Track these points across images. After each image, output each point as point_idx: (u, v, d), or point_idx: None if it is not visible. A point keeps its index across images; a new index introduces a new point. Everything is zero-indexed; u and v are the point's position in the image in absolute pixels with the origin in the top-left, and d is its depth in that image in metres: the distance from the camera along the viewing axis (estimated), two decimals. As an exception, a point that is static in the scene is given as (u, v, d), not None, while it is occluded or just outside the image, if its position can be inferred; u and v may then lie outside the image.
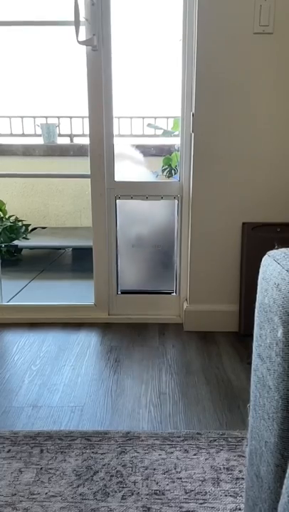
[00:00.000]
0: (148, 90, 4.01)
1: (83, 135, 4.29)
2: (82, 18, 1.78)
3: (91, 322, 2.08)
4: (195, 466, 1.16)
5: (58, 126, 4.35)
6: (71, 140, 4.51)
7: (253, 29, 1.74)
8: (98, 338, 1.94)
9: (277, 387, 0.59)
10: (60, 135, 4.31)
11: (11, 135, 4.50)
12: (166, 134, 4.24)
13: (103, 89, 1.88)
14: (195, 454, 1.20)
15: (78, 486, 1.09)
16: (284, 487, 0.56)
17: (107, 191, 1.99)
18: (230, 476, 1.12)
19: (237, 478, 1.11)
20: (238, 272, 1.96)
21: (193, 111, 1.83)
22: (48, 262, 3.40)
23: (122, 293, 2.12)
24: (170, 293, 2.11)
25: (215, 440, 1.26)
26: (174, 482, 1.11)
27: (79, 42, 1.78)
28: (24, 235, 3.51)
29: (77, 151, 3.97)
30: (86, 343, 1.88)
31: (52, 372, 1.65)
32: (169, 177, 3.54)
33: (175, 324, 2.07)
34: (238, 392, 1.51)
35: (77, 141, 4.43)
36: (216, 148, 1.85)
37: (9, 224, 3.47)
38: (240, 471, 1.13)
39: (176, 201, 2.01)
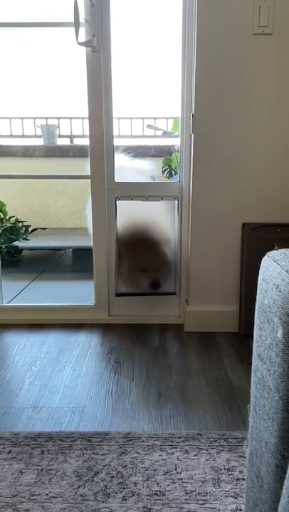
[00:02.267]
0: (148, 91, 4.01)
1: (83, 136, 4.29)
2: (81, 20, 1.78)
3: (91, 323, 2.08)
4: (195, 466, 1.16)
5: (58, 127, 4.35)
6: (71, 141, 4.51)
7: (253, 30, 1.74)
8: (98, 339, 1.94)
9: (277, 387, 0.59)
10: (60, 136, 4.31)
11: (11, 136, 4.50)
12: (166, 134, 4.25)
13: (103, 90, 1.88)
14: (195, 455, 1.20)
15: (79, 487, 1.09)
16: (284, 487, 0.56)
17: (107, 192, 1.99)
18: (231, 476, 1.12)
19: (237, 479, 1.11)
20: (238, 273, 1.96)
21: (193, 112, 1.83)
22: (48, 263, 3.40)
23: (122, 294, 2.12)
24: (170, 294, 2.11)
25: (215, 441, 1.26)
26: (174, 483, 1.11)
27: (79, 43, 1.78)
28: (24, 236, 3.51)
29: (77, 152, 3.97)
30: (86, 344, 1.88)
31: (52, 373, 1.65)
32: (169, 178, 3.54)
33: (175, 325, 2.07)
34: (238, 393, 1.51)
35: (77, 142, 4.44)
36: (216, 148, 1.85)
37: (9, 225, 3.47)
38: (241, 472, 1.13)
39: (176, 202, 2.01)
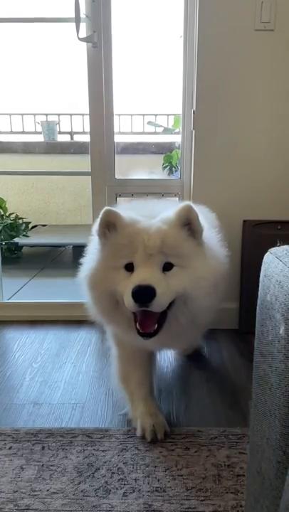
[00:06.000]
0: (149, 87, 4.01)
1: (83, 132, 4.28)
2: (82, 15, 1.77)
3: (92, 320, 2.07)
4: (196, 463, 1.16)
5: (58, 123, 4.35)
6: (71, 137, 4.50)
7: (254, 26, 1.73)
8: (99, 335, 1.93)
9: (279, 384, 0.59)
10: (60, 132, 4.31)
11: (11, 132, 4.50)
12: (167, 131, 4.24)
13: (104, 87, 1.88)
14: (196, 451, 1.20)
15: (80, 483, 1.10)
16: (286, 484, 0.56)
17: (108, 189, 1.99)
18: (232, 473, 1.13)
19: (238, 475, 1.11)
20: (238, 270, 1.95)
21: (194, 108, 1.82)
22: (48, 260, 3.40)
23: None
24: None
25: (216, 437, 1.26)
26: (175, 479, 1.11)
27: (79, 39, 1.77)
28: (24, 233, 3.51)
29: (77, 149, 3.97)
30: (87, 341, 1.88)
31: (53, 369, 1.66)
32: (169, 175, 3.54)
33: (176, 322, 2.06)
34: (238, 390, 1.51)
35: (77, 138, 4.43)
36: (217, 145, 1.85)
37: (9, 221, 3.47)
38: (242, 468, 1.13)
39: (177, 199, 2.01)
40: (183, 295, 1.04)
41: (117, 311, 1.08)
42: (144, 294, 0.96)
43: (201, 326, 1.12)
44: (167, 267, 1.04)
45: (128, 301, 0.99)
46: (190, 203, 1.12)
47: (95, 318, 1.26)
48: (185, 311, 1.04)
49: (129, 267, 1.04)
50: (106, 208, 1.10)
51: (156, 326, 1.00)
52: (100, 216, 1.10)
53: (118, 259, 1.06)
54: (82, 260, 1.23)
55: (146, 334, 1.01)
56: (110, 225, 1.09)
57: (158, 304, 0.97)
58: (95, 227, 1.15)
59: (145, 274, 0.99)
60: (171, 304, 1.04)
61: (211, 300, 1.06)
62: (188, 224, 1.08)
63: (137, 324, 1.01)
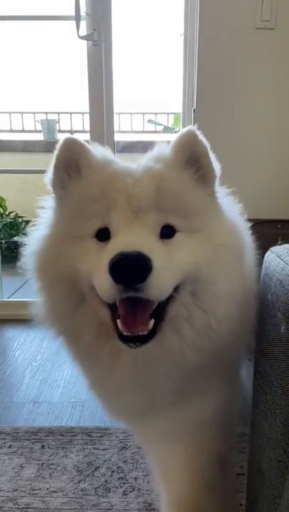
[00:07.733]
0: (149, 86, 4.01)
1: (83, 131, 4.28)
2: (82, 13, 1.77)
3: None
4: (196, 461, 1.16)
5: (58, 122, 4.34)
6: (71, 136, 4.50)
7: (255, 24, 1.72)
8: (99, 334, 1.94)
9: (280, 383, 0.59)
10: (60, 131, 4.30)
11: (11, 131, 4.49)
12: (167, 130, 4.24)
13: (104, 85, 1.87)
14: (196, 450, 1.20)
15: (79, 482, 1.10)
16: (286, 483, 0.56)
17: (108, 187, 1.98)
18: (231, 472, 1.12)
19: (238, 474, 1.11)
20: (238, 269, 1.96)
21: (195, 107, 1.82)
22: (48, 259, 3.39)
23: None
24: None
25: (216, 436, 1.26)
26: (175, 478, 1.11)
27: (80, 37, 1.76)
28: (24, 232, 3.50)
29: (77, 147, 3.96)
30: (87, 340, 1.88)
31: (53, 368, 1.65)
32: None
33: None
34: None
35: (77, 137, 4.43)
36: (217, 144, 1.83)
37: (9, 220, 3.47)
38: (241, 467, 1.13)
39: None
40: (193, 277, 0.62)
41: (80, 312, 0.65)
42: (131, 265, 0.54)
43: (218, 348, 0.64)
44: (167, 232, 0.63)
45: (103, 282, 0.57)
46: (194, 127, 0.73)
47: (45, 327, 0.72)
48: (193, 308, 0.62)
49: (104, 235, 0.63)
50: (66, 137, 0.72)
51: (152, 322, 0.59)
52: (56, 152, 0.72)
53: (84, 221, 0.64)
54: (27, 229, 0.79)
55: (134, 338, 0.58)
56: (71, 167, 0.70)
57: (156, 286, 0.56)
58: (49, 173, 0.75)
59: (131, 237, 0.59)
60: (171, 295, 0.61)
61: (238, 284, 0.63)
62: (195, 162, 0.72)
63: (119, 323, 0.59)
